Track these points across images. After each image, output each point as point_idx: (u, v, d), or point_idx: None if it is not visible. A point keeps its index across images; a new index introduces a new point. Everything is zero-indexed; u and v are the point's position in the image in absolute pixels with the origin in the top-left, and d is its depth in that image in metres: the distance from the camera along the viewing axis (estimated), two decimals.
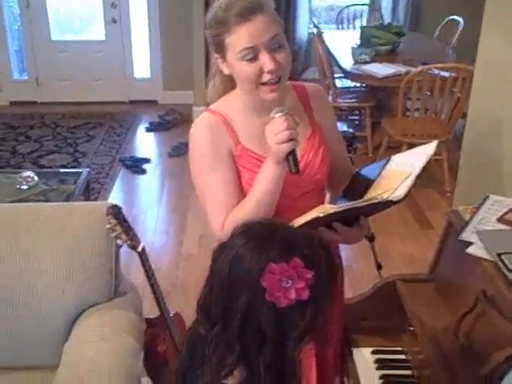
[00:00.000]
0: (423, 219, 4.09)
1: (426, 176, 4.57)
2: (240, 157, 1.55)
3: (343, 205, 1.46)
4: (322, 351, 1.69)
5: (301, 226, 1.42)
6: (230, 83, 1.59)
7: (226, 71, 1.53)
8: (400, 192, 1.38)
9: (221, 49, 1.48)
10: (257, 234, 1.12)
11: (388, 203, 1.40)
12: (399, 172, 1.46)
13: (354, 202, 1.45)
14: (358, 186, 1.55)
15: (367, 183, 1.51)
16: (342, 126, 5.46)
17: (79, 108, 6.15)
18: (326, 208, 1.43)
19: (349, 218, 1.50)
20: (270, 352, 1.08)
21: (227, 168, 1.55)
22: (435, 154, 4.60)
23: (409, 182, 1.40)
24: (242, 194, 1.55)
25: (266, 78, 1.45)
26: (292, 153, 1.42)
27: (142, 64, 6.41)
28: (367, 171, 1.62)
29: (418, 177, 1.43)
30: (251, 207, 1.49)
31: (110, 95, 6.31)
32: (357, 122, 5.64)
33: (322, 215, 1.39)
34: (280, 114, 1.42)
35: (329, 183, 1.73)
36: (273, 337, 1.08)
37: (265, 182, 1.47)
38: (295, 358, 1.11)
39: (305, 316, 1.08)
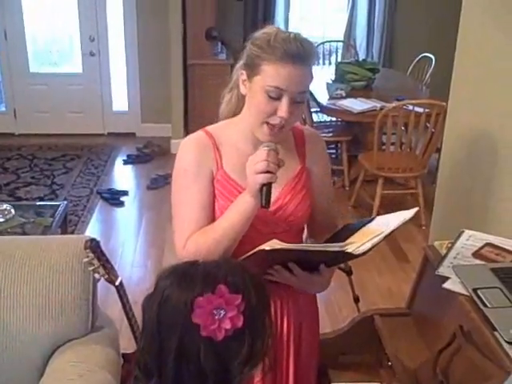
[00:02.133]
0: (400, 252, 4.12)
1: (402, 209, 4.61)
2: (219, 182, 1.56)
3: (292, 245, 1.45)
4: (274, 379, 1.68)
5: (247, 258, 1.42)
6: (241, 104, 1.59)
7: (243, 90, 1.53)
8: (362, 248, 1.37)
9: (252, 69, 1.48)
10: (179, 271, 1.11)
11: (347, 255, 1.39)
12: (373, 230, 1.47)
13: (306, 245, 1.45)
14: (337, 237, 1.54)
15: (345, 236, 1.51)
16: None
17: (57, 140, 6.13)
18: (275, 242, 1.42)
19: (310, 264, 1.49)
20: None
21: (205, 189, 1.55)
22: (411, 188, 4.67)
23: (376, 240, 1.40)
24: (212, 218, 1.55)
25: (274, 120, 1.46)
26: (267, 186, 1.42)
27: (120, 97, 6.43)
28: (351, 227, 1.61)
29: (389, 235, 1.44)
30: (215, 237, 1.49)
31: (87, 128, 6.31)
32: (333, 156, 5.70)
33: (267, 249, 1.38)
34: (265, 147, 1.44)
35: (309, 230, 1.74)
36: (214, 372, 1.06)
37: (236, 212, 1.47)
38: None
39: (243, 343, 1.07)
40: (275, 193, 1.53)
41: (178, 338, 1.05)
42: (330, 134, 5.26)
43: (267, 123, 1.47)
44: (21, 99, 6.25)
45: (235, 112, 1.63)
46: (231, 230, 1.48)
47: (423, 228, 4.34)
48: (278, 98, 1.44)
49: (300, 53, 1.43)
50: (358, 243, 1.39)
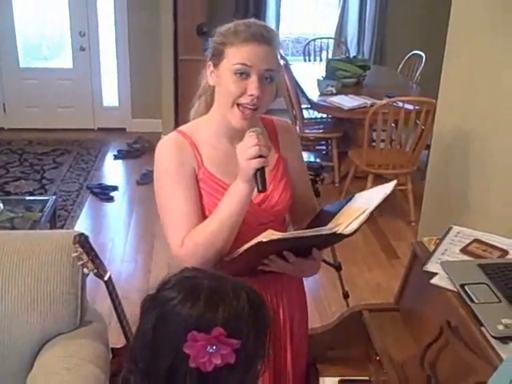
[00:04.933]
0: (389, 248, 4.14)
1: (392, 206, 4.65)
2: (202, 180, 1.56)
3: (288, 233, 1.48)
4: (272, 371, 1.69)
5: (247, 252, 1.43)
6: (211, 107, 1.61)
7: (212, 82, 1.55)
8: (351, 227, 1.39)
9: (217, 56, 1.50)
10: (183, 288, 1.08)
11: (337, 236, 1.41)
12: (356, 208, 1.49)
13: (300, 231, 1.47)
14: (320, 221, 1.57)
15: (329, 218, 1.53)
16: (310, 157, 5.53)
17: (47, 135, 6.10)
18: (271, 233, 1.43)
19: (301, 250, 1.51)
20: None
21: (190, 187, 1.55)
22: (400, 184, 4.70)
23: (362, 218, 1.42)
24: (202, 214, 1.55)
25: (245, 99, 1.47)
26: (260, 170, 1.43)
27: (110, 92, 6.41)
28: (330, 208, 1.64)
29: (375, 211, 1.47)
30: (213, 229, 1.48)
31: (78, 123, 6.29)
32: (324, 153, 5.72)
33: (264, 240, 1.39)
34: (252, 133, 1.45)
35: (292, 218, 1.75)
36: None
37: (231, 202, 1.48)
38: None
39: (233, 377, 1.05)
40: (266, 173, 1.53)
41: (170, 362, 1.04)
42: (321, 131, 5.28)
43: (238, 105, 1.48)
44: (11, 94, 6.21)
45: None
46: (228, 220, 1.48)
47: (412, 224, 4.36)
48: (246, 78, 1.46)
49: (263, 33, 1.47)
50: (345, 223, 1.41)
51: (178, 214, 1.55)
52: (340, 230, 1.40)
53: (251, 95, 1.46)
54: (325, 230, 1.42)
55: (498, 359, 1.28)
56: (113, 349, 2.22)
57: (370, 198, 1.53)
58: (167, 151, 1.58)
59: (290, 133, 1.74)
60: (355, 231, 1.40)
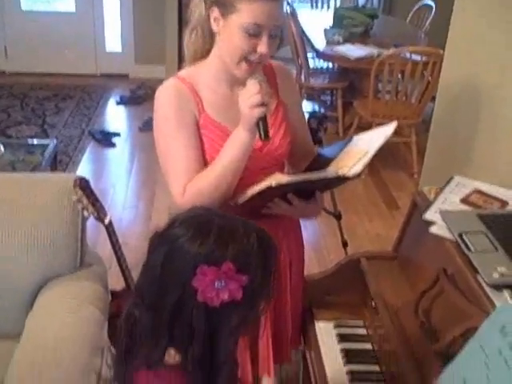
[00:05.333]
0: (390, 200, 4.15)
1: (395, 158, 4.63)
2: (203, 126, 1.55)
3: (296, 176, 1.48)
4: (278, 328, 1.72)
5: (254, 196, 1.43)
6: (209, 41, 1.57)
7: (215, 28, 1.51)
8: (355, 169, 1.41)
9: (226, 7, 1.45)
10: (193, 225, 1.09)
11: (342, 179, 1.43)
12: (358, 150, 1.49)
13: (308, 174, 1.47)
14: (319, 163, 1.57)
15: (328, 161, 1.54)
16: (314, 106, 5.48)
17: (48, 79, 6.04)
18: (279, 177, 1.44)
19: (304, 192, 1.52)
20: (200, 346, 1.08)
21: (190, 133, 1.54)
22: (404, 136, 4.66)
23: (365, 160, 1.43)
24: (204, 162, 1.55)
25: (254, 57, 1.46)
26: (263, 119, 1.43)
27: (113, 37, 6.31)
28: (329, 150, 1.64)
29: (375, 155, 1.47)
30: (216, 175, 1.49)
31: (80, 67, 6.21)
32: (328, 103, 5.66)
33: (273, 184, 1.40)
34: (255, 80, 1.44)
35: (290, 161, 1.75)
36: (202, 332, 1.07)
37: (233, 148, 1.47)
38: (227, 350, 1.11)
39: (238, 314, 1.08)
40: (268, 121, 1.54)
41: (178, 294, 1.06)
42: (326, 81, 5.21)
43: (245, 60, 1.47)
44: (12, 37, 6.11)
45: (202, 51, 1.60)
46: (231, 166, 1.48)
47: (415, 176, 4.35)
48: (256, 35, 1.44)
49: None
50: (348, 166, 1.42)
51: (179, 161, 1.54)
52: (344, 172, 1.40)
53: (261, 54, 1.45)
54: (329, 173, 1.42)
55: (491, 306, 1.30)
56: (112, 291, 2.25)
57: (370, 140, 1.53)
58: (166, 98, 1.56)
59: (288, 78, 1.74)
60: (359, 175, 1.41)
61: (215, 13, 1.49)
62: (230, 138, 1.50)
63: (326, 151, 1.67)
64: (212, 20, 1.51)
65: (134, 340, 1.14)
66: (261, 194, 1.44)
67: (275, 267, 1.14)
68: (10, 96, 5.63)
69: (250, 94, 1.41)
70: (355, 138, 1.62)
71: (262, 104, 1.41)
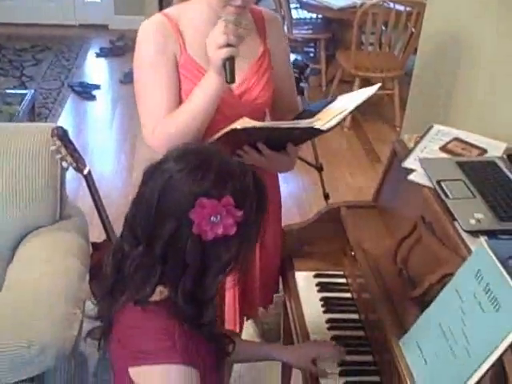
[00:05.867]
0: (372, 152, 4.15)
1: (378, 111, 4.62)
2: (183, 66, 1.53)
3: (263, 123, 1.47)
4: (245, 281, 1.73)
5: (220, 139, 1.42)
6: None
7: None
8: (329, 124, 1.39)
9: None
10: (192, 161, 1.09)
11: (314, 131, 1.41)
12: (338, 108, 1.48)
13: (277, 122, 1.46)
14: (300, 118, 1.56)
15: (309, 116, 1.52)
16: (297, 58, 5.41)
17: (26, 30, 5.89)
18: (246, 122, 1.43)
19: (277, 144, 1.51)
20: (190, 280, 1.09)
21: (169, 72, 1.52)
22: (387, 89, 4.62)
23: (341, 116, 1.42)
24: (179, 103, 1.53)
25: (236, 2, 1.43)
26: (230, 61, 1.40)
27: None
28: (313, 107, 1.62)
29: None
30: (185, 117, 1.47)
31: (58, 18, 6.05)
32: (311, 55, 5.60)
33: (238, 127, 1.39)
34: (222, 20, 1.41)
35: (273, 114, 1.73)
36: (194, 267, 1.08)
37: (203, 92, 1.46)
38: (215, 288, 1.13)
39: (229, 250, 1.09)
40: (240, 77, 1.52)
41: (174, 226, 1.06)
42: (309, 32, 5.15)
43: (229, 4, 1.43)
44: None
45: None
46: (200, 110, 1.46)
47: (397, 129, 4.35)
48: None
49: None
50: (324, 120, 1.41)
51: (154, 100, 1.52)
52: (317, 125, 1.39)
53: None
54: (302, 124, 1.42)
55: (467, 252, 1.31)
56: (93, 243, 2.25)
57: (351, 99, 1.52)
58: (149, 34, 1.53)
59: (277, 26, 1.70)
60: (332, 128, 1.40)
61: None
62: (201, 81, 1.48)
63: (311, 107, 1.65)
64: None
65: (122, 275, 1.15)
66: (227, 137, 1.42)
67: (267, 208, 1.16)
68: None
69: (216, 35, 1.39)
70: (339, 97, 1.60)
71: (229, 45, 1.38)
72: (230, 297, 1.70)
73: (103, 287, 1.20)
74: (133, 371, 1.11)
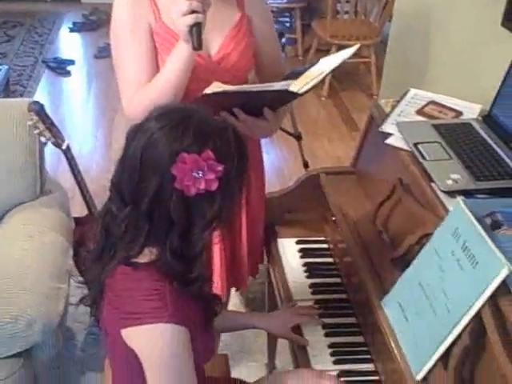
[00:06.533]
0: (350, 121, 4.17)
1: (355, 79, 4.62)
2: (158, 34, 1.53)
3: (233, 87, 1.46)
4: (232, 240, 1.76)
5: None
6: None
7: None
8: (305, 87, 1.39)
9: None
10: (172, 119, 1.11)
11: (289, 94, 1.40)
12: (316, 71, 1.48)
13: (249, 85, 1.46)
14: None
15: (292, 79, 1.52)
16: None
17: None
18: (217, 86, 1.43)
19: (254, 109, 1.51)
20: (177, 236, 1.11)
21: (144, 41, 1.52)
22: (364, 57, 4.62)
23: (318, 78, 1.42)
24: (156, 73, 1.53)
25: None
26: (196, 27, 1.39)
27: None
28: (296, 72, 1.62)
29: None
30: (161, 86, 1.48)
31: None
32: (287, 25, 5.57)
33: (209, 92, 1.39)
34: None
35: (260, 80, 1.73)
36: (180, 222, 1.11)
37: (175, 60, 1.46)
38: (201, 244, 1.15)
39: (213, 206, 1.11)
40: (218, 42, 1.53)
41: (157, 181, 1.08)
42: (284, 1, 5.11)
43: None
44: None
45: None
46: (173, 78, 1.47)
47: (374, 97, 4.36)
48: None
49: None
50: (301, 83, 1.40)
51: (131, 71, 1.53)
52: (291, 88, 1.39)
53: None
54: (275, 86, 1.42)
55: (445, 212, 1.34)
56: (75, 218, 2.25)
57: (331, 62, 1.52)
58: (123, 5, 1.53)
59: None
60: (308, 91, 1.40)
61: None
62: (173, 49, 1.47)
63: (293, 72, 1.65)
64: None
65: (111, 239, 1.17)
66: (201, 103, 1.42)
67: (247, 164, 1.18)
68: None
69: (181, 2, 1.38)
70: (321, 60, 1.60)
71: (193, 12, 1.38)
72: (217, 253, 1.71)
73: (92, 253, 1.22)
74: (125, 333, 1.13)
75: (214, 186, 1.08)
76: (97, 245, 1.21)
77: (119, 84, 1.57)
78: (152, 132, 1.10)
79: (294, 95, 1.40)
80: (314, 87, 1.41)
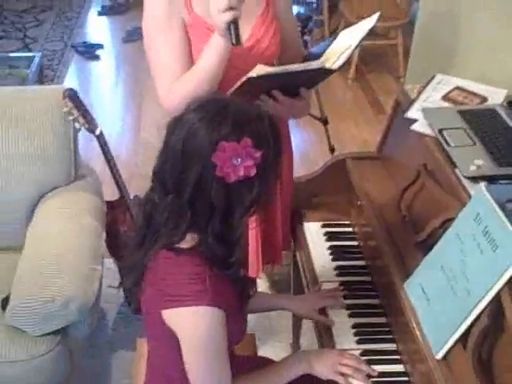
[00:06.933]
0: (377, 104, 4.16)
1: (382, 61, 4.60)
2: (192, 26, 1.57)
3: (278, 67, 1.51)
4: (267, 224, 1.80)
5: (238, 90, 1.47)
6: None
7: None
8: (338, 62, 1.44)
9: None
10: (210, 110, 1.16)
11: (325, 71, 1.46)
12: (342, 45, 1.51)
13: (290, 65, 1.50)
14: (308, 61, 1.60)
15: (315, 58, 1.56)
16: (300, 10, 5.37)
17: None
18: (260, 68, 1.47)
19: (290, 89, 1.55)
20: (218, 222, 1.17)
21: (178, 34, 1.56)
22: (391, 38, 4.55)
23: (348, 52, 1.47)
24: (191, 63, 1.58)
25: None
26: (234, 23, 1.43)
27: None
28: (316, 49, 1.66)
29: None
30: (196, 80, 1.53)
31: None
32: (314, 6, 5.55)
33: (254, 75, 1.43)
34: None
35: (280, 62, 1.77)
36: (221, 208, 1.16)
37: (210, 53, 1.50)
38: (241, 228, 1.20)
39: (252, 191, 1.16)
40: (248, 30, 1.57)
41: (199, 170, 1.14)
42: None
43: None
44: None
45: None
46: (209, 71, 1.51)
47: (401, 80, 4.34)
48: None
49: None
50: (332, 59, 1.45)
51: (167, 63, 1.57)
52: (328, 64, 1.44)
53: None
54: (314, 65, 1.46)
55: (468, 197, 1.37)
56: (107, 202, 2.31)
57: (353, 34, 1.55)
58: None
59: None
60: (341, 66, 1.45)
61: None
62: (208, 43, 1.51)
63: (315, 50, 1.69)
64: None
65: (153, 225, 1.23)
66: (244, 86, 1.46)
67: (282, 150, 1.23)
68: None
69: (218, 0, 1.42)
70: (341, 33, 1.63)
71: (231, 8, 1.41)
72: (253, 237, 1.76)
73: (134, 239, 1.28)
74: (166, 314, 1.19)
75: (253, 172, 1.13)
76: (138, 231, 1.27)
77: (154, 76, 1.61)
78: (192, 123, 1.15)
79: (330, 72, 1.45)
80: (347, 62, 1.46)
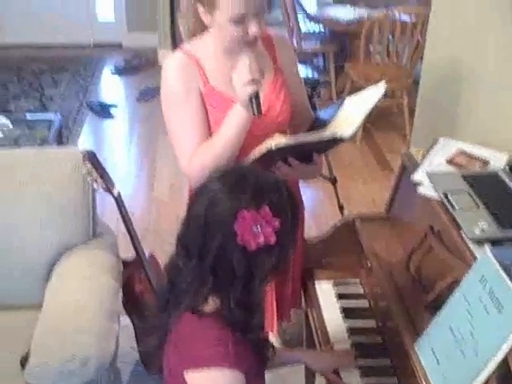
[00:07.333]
0: (384, 162, 4.25)
1: (388, 120, 4.71)
2: (208, 95, 1.65)
3: (294, 137, 1.59)
4: (281, 287, 1.86)
5: (257, 160, 1.55)
6: (202, 22, 1.66)
7: (206, 21, 1.62)
8: (350, 131, 1.52)
9: (208, 4, 1.56)
10: (230, 180, 1.23)
11: (338, 140, 1.54)
12: (350, 113, 1.59)
13: (305, 135, 1.58)
14: (317, 127, 1.68)
15: (324, 124, 1.64)
16: (307, 71, 5.53)
17: (42, 52, 6.01)
18: (278, 139, 1.54)
19: (303, 155, 1.63)
20: (239, 288, 1.22)
21: (196, 105, 1.65)
22: (396, 98, 4.63)
23: (358, 121, 1.55)
24: (209, 132, 1.66)
25: (248, 38, 1.56)
26: (255, 96, 1.52)
27: (105, 6, 6.30)
28: (324, 114, 1.75)
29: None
30: (217, 149, 1.60)
31: (73, 38, 6.18)
32: (321, 68, 5.70)
33: (273, 147, 1.51)
34: (244, 57, 1.53)
35: (290, 127, 1.85)
36: (242, 275, 1.21)
37: (231, 124, 1.59)
38: (261, 293, 1.26)
39: (271, 258, 1.22)
40: (261, 97, 1.64)
41: (220, 238, 1.19)
42: (318, 45, 5.26)
43: (243, 43, 1.56)
44: (2, 7, 6.06)
45: (198, 29, 1.70)
46: (230, 143, 1.60)
47: (407, 138, 4.43)
48: (243, 21, 1.53)
49: None
50: (343, 128, 1.53)
51: (186, 136, 1.66)
52: (339, 134, 1.51)
53: (254, 34, 1.55)
54: (327, 135, 1.54)
55: (473, 259, 1.42)
56: (123, 261, 2.35)
57: (361, 102, 1.63)
58: (174, 71, 1.66)
59: (286, 46, 1.84)
60: (353, 136, 1.53)
61: (201, 9, 1.60)
62: (228, 113, 1.60)
63: (322, 114, 1.77)
64: (200, 13, 1.61)
65: (177, 288, 1.28)
66: (262, 157, 1.55)
67: (299, 217, 1.29)
68: (5, 69, 5.62)
69: (241, 73, 1.51)
70: (347, 99, 1.72)
71: (253, 80, 1.50)
72: (268, 299, 1.82)
73: (159, 301, 1.34)
74: (189, 375, 1.24)
75: (273, 240, 1.18)
76: (162, 294, 1.33)
77: (175, 148, 1.69)
78: (213, 193, 1.22)
79: (342, 141, 1.53)
80: (358, 131, 1.54)
